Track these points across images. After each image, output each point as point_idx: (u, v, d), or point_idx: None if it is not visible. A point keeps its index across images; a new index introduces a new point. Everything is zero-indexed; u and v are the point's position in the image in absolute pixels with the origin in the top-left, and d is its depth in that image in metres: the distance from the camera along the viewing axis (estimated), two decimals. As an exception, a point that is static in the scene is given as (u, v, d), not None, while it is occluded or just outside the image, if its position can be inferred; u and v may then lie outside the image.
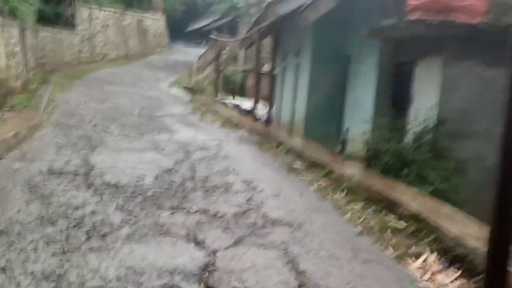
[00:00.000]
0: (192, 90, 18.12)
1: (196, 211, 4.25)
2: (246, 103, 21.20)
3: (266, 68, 24.50)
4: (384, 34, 8.09)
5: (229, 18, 36.60)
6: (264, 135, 8.87)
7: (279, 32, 14.18)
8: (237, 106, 18.75)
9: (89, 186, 4.71)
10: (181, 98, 15.80)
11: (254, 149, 7.60)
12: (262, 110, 15.76)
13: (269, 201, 4.80)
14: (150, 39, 30.55)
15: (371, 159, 7.13)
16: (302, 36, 11.85)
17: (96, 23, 23.01)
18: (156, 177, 5.23)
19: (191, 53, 32.83)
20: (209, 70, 22.78)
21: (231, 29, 41.04)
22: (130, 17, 27.99)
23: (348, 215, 4.65)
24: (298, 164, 6.72)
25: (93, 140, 6.92)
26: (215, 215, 4.19)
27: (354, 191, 5.39)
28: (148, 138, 7.63)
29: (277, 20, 10.53)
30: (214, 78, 23.45)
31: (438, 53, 7.27)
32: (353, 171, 6.10)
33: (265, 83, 24.98)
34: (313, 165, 6.55)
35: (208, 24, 43.96)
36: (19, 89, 11.01)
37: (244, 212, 4.36)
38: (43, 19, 16.85)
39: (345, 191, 5.46)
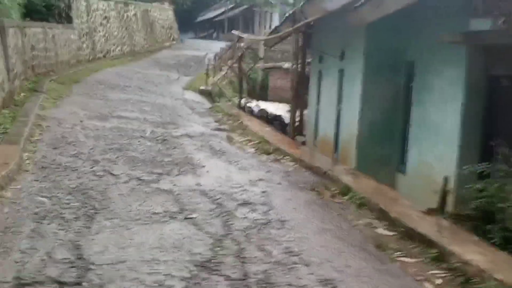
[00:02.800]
0: (210, 95, 16.32)
1: None
2: (271, 107, 19.42)
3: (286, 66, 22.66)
4: (487, 39, 6.16)
5: (244, 7, 34.73)
6: (318, 172, 7.04)
7: (310, 27, 12.34)
8: (266, 115, 16.94)
9: (80, 318, 2.94)
10: (199, 106, 14.00)
11: (313, 201, 5.77)
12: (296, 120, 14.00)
13: None
14: (158, 32, 28.79)
15: (482, 220, 5.28)
16: (348, 36, 10.00)
17: (96, 15, 21.26)
18: (189, 284, 3.44)
19: (204, 47, 31.04)
20: (226, 68, 20.97)
21: (246, 19, 39.18)
22: (135, 8, 26.24)
23: None
24: (384, 232, 4.88)
25: (92, 196, 5.13)
26: None
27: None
28: (167, 185, 5.83)
29: (324, 17, 8.67)
30: (236, 79, 21.67)
31: None
32: (477, 253, 4.23)
33: (287, 85, 23.14)
34: (408, 235, 4.71)
35: (221, 14, 42.10)
36: None
37: None
38: (32, 13, 15.11)
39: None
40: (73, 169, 6.12)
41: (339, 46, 10.68)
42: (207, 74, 17.75)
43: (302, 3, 9.81)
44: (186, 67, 22.47)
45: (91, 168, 6.26)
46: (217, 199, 5.44)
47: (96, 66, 19.15)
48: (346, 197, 5.87)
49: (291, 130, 10.32)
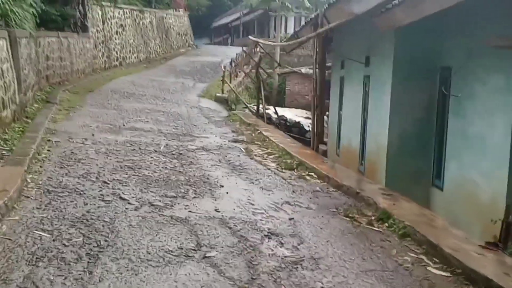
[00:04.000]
0: (226, 102, 15.63)
1: None
2: (289, 114, 18.69)
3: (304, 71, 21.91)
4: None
5: (259, 12, 33.99)
6: (349, 192, 6.26)
7: (331, 31, 11.55)
8: (284, 122, 16.25)
9: None
10: (215, 115, 13.30)
11: (348, 230, 4.99)
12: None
13: None
14: (173, 39, 28.24)
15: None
16: (374, 40, 9.24)
17: (112, 23, 20.77)
18: None
19: (219, 53, 30.43)
20: (242, 74, 20.30)
21: (260, 24, 38.48)
22: (150, 15, 25.73)
23: None
24: (438, 272, 4.07)
25: (98, 229, 4.42)
26: None
27: None
28: (182, 211, 5.11)
29: (350, 21, 7.89)
30: (253, 85, 20.99)
31: None
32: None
33: (304, 90, 22.35)
34: (469, 278, 3.88)
35: (236, 19, 41.49)
36: (9, 119, 8.70)
37: None
38: (47, 22, 14.61)
39: None
40: (80, 193, 5.44)
41: (363, 51, 9.90)
42: (223, 81, 17.05)
43: (325, 6, 9.01)
44: (202, 74, 21.83)
45: (100, 191, 5.57)
46: (239, 229, 4.69)
47: (111, 74, 18.64)
48: (385, 225, 5.08)
49: (313, 140, 9.54)
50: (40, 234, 4.20)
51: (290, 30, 32.85)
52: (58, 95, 12.48)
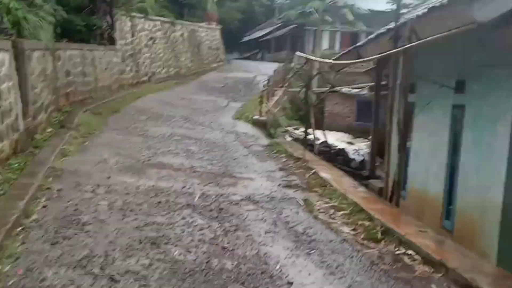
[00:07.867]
0: (264, 126, 13.32)
1: None
2: (331, 138, 16.35)
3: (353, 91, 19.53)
4: None
5: (293, 26, 31.71)
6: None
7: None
8: (328, 149, 13.91)
9: None
10: (254, 143, 10.99)
11: None
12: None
13: None
14: (205, 53, 26.22)
15: None
16: (475, 59, 6.82)
17: (141, 36, 18.80)
18: None
19: (251, 68, 28.27)
20: (280, 92, 18.06)
21: (293, 38, 36.21)
22: (182, 28, 23.77)
23: None
24: None
25: None
26: None
27: None
28: None
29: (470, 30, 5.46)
30: (289, 105, 18.84)
31: None
32: None
33: (345, 111, 19.91)
34: None
35: (267, 34, 39.35)
36: (6, 153, 6.57)
37: None
38: (71, 33, 12.66)
39: None
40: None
41: (453, 72, 7.44)
42: (261, 102, 14.78)
43: (416, 15, 6.62)
44: (235, 91, 19.63)
45: (102, 304, 3.29)
46: None
47: (139, 91, 16.59)
48: None
49: (387, 190, 7.13)
50: None
51: (325, 45, 30.48)
52: (76, 117, 10.38)
